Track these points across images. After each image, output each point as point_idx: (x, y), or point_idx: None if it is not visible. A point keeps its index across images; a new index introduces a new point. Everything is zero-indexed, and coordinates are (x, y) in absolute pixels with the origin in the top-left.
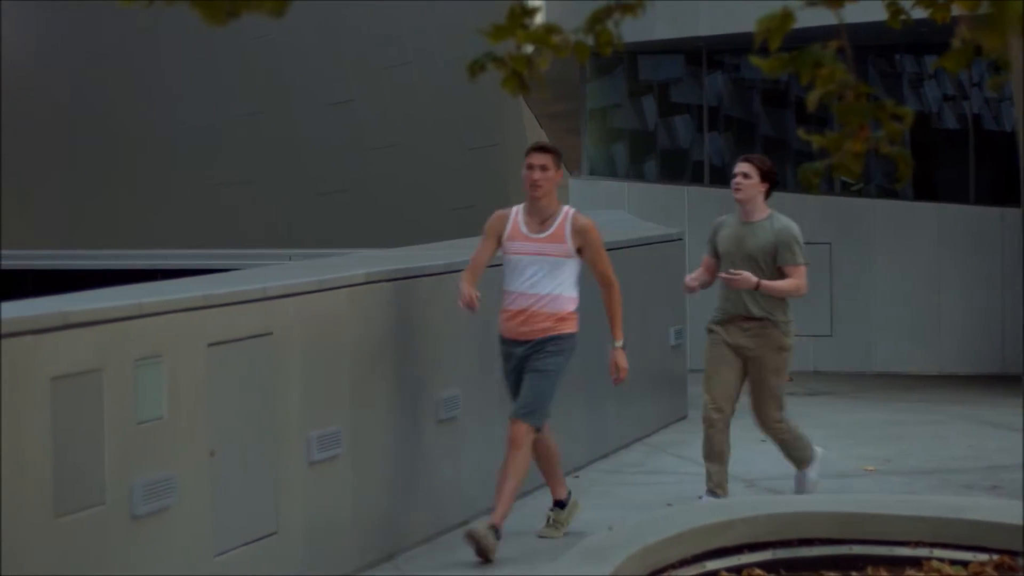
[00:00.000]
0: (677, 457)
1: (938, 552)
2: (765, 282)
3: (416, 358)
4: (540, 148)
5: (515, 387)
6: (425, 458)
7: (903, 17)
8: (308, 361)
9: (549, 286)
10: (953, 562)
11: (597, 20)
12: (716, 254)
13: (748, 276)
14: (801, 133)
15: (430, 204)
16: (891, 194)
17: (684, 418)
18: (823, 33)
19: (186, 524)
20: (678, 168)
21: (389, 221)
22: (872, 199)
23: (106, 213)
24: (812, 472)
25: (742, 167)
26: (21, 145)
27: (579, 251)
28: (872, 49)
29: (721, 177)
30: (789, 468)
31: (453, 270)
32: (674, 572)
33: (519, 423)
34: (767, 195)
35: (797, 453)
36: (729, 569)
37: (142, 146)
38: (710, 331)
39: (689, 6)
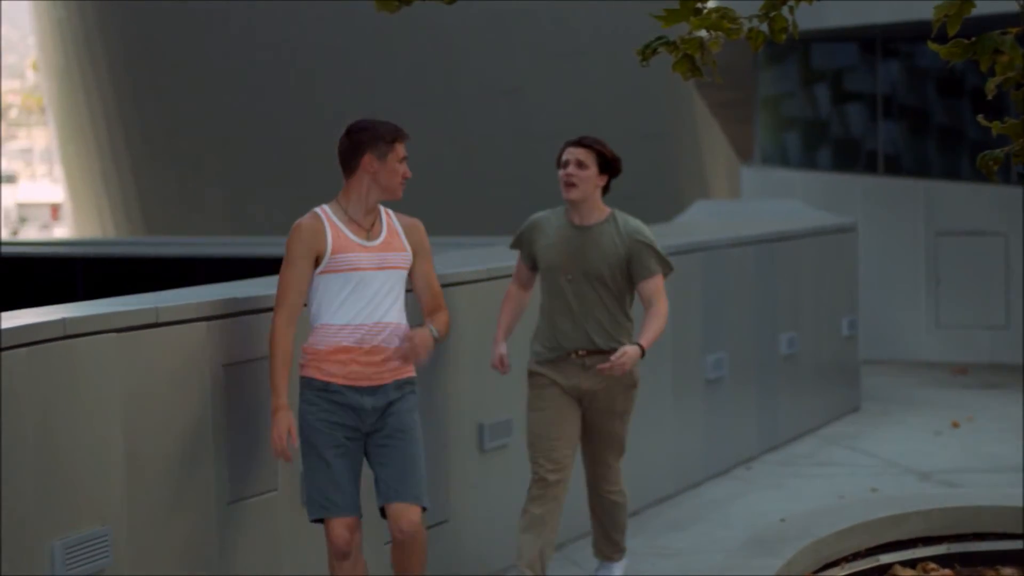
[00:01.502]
0: (849, 449)
1: None
2: (647, 341)
3: None
4: (404, 135)
5: (355, 457)
6: None
7: None
8: (478, 349)
9: (394, 310)
10: None
11: (772, 7)
12: (534, 264)
13: (632, 353)
14: (980, 119)
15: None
16: None
17: (856, 410)
18: (1000, 21)
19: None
20: (851, 157)
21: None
22: None
23: (274, 202)
24: (619, 568)
25: (575, 153)
26: (196, 137)
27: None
28: None
29: (895, 166)
30: (966, 460)
31: None
32: (847, 565)
33: (414, 509)
34: (605, 190)
35: (616, 534)
36: (903, 563)
37: (307, 135)
38: (533, 375)
39: None
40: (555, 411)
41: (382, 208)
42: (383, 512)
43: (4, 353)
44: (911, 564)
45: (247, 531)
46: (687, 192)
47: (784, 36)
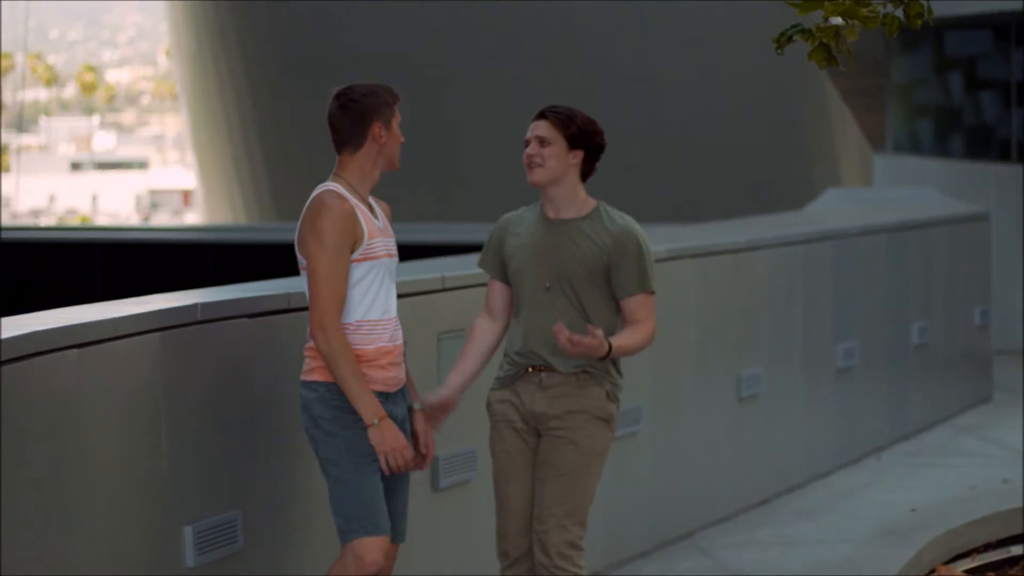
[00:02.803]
0: (981, 439)
1: None
2: (618, 343)
3: (718, 335)
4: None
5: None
6: (725, 436)
7: None
8: None
9: None
10: None
11: None
12: (506, 275)
13: (597, 339)
14: None
15: (729, 179)
16: None
17: (988, 400)
18: None
19: (487, 498)
20: (984, 145)
21: (687, 196)
22: None
23: (403, 189)
24: None
25: (535, 128)
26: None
27: None
28: None
29: None
30: None
31: (756, 247)
32: (977, 556)
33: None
34: (586, 172)
35: None
36: None
37: (438, 124)
38: (488, 405)
39: None
40: (505, 457)
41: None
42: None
43: (138, 338)
44: None
45: None
46: (819, 180)
47: (919, 22)
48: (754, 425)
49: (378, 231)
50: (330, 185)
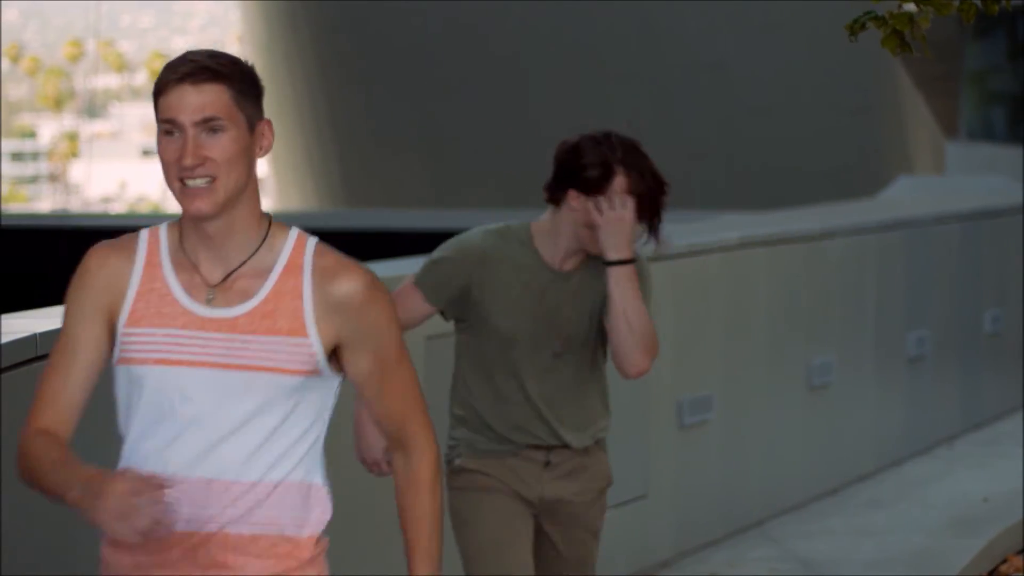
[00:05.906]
0: None
1: None
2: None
3: (789, 323)
4: (195, 71)
5: None
6: (796, 425)
7: None
8: (679, 325)
9: (265, 454)
10: None
11: None
12: (453, 310)
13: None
14: None
15: (803, 166)
16: None
17: None
18: None
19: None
20: None
21: (761, 183)
22: None
23: (478, 176)
24: None
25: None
26: (398, 111)
27: (336, 350)
28: None
29: None
30: None
31: (829, 235)
32: None
33: None
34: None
35: None
36: None
37: (509, 110)
38: (465, 472)
39: None
40: (503, 525)
41: (294, 237)
42: None
43: None
44: None
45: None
46: (890, 168)
47: (996, 8)
48: (825, 414)
49: (175, 314)
50: (162, 226)
